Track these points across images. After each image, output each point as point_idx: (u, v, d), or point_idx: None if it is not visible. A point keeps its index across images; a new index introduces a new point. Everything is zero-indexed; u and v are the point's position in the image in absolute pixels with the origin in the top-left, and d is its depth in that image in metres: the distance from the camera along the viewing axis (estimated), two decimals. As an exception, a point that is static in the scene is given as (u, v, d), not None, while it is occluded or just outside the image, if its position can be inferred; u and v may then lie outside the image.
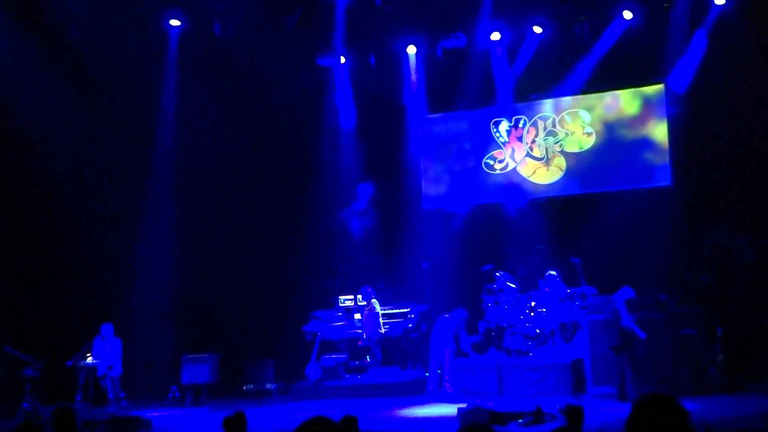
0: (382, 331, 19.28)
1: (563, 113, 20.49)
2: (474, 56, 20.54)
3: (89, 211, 20.28)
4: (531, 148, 20.72)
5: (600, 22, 19.43)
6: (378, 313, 19.28)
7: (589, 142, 20.26)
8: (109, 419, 15.21)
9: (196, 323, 20.74)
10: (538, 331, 17.92)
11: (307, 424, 4.21)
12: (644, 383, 15.01)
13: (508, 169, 20.92)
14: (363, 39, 20.60)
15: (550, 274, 18.25)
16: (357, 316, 19.86)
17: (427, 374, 18.51)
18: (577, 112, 20.39)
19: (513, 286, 18.62)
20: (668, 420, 3.96)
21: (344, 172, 21.67)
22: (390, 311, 19.70)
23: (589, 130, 20.24)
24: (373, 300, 19.33)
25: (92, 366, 18.36)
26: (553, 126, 20.54)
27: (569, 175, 20.39)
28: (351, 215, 21.04)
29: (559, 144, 20.47)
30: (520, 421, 13.37)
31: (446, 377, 17.75)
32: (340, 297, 20.40)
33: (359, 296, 19.82)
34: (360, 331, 19.60)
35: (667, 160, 19.49)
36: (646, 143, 19.79)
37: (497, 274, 18.76)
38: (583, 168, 20.30)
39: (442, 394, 17.61)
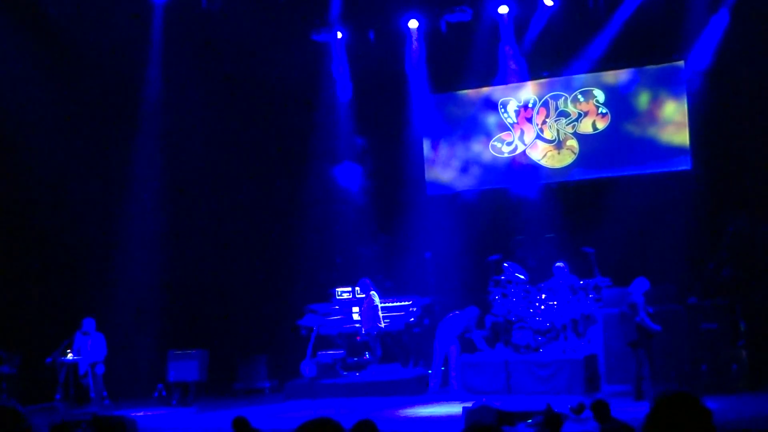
0: (382, 325, 19.28)
1: (576, 92, 20.45)
2: (480, 31, 20.49)
3: (68, 197, 20.22)
4: (541, 130, 20.69)
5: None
6: (377, 306, 19.27)
7: (603, 124, 20.21)
8: (90, 419, 15.15)
9: (184, 317, 20.74)
10: (548, 325, 17.93)
11: (309, 426, 4.19)
12: (662, 381, 15.04)
13: (517, 152, 20.88)
14: (361, 12, 20.55)
15: (557, 266, 18.24)
16: (355, 309, 19.86)
17: (430, 371, 18.52)
18: (591, 91, 20.34)
19: (522, 277, 18.61)
20: (690, 420, 3.95)
21: (341, 156, 21.66)
22: (391, 304, 19.69)
23: (604, 110, 20.19)
24: (372, 292, 19.33)
25: (73, 363, 18.37)
26: (565, 106, 20.49)
27: (582, 158, 20.36)
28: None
29: (571, 125, 20.43)
30: (530, 421, 13.37)
31: (453, 374, 17.77)
32: (337, 289, 20.39)
33: (357, 288, 19.82)
34: (358, 325, 19.61)
35: (686, 142, 19.45)
36: (665, 125, 19.75)
37: (505, 264, 18.74)
38: (597, 151, 20.27)
39: (447, 392, 17.63)
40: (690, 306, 16.39)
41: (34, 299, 19.90)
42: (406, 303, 19.74)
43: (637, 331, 15.33)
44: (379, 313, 19.29)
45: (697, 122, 19.29)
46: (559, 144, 20.55)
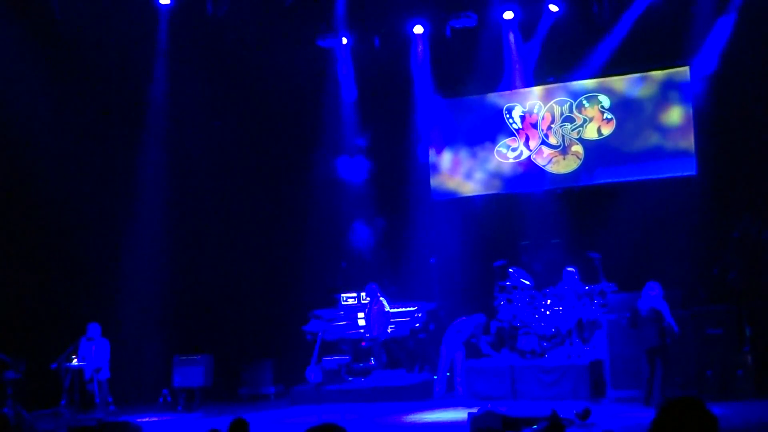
0: (388, 331, 19.24)
1: (581, 98, 20.44)
2: (485, 37, 20.50)
3: (73, 202, 20.21)
4: (546, 136, 20.69)
5: (621, -1, 19.40)
6: (388, 312, 19.23)
7: (608, 129, 20.20)
8: (96, 425, 15.21)
9: (189, 322, 20.75)
10: (553, 330, 17.92)
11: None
12: (668, 386, 15.00)
13: (522, 157, 20.88)
14: (366, 18, 20.56)
15: (568, 271, 18.21)
16: (360, 315, 19.84)
17: (435, 377, 18.51)
18: (596, 96, 20.33)
19: (527, 282, 18.60)
20: (695, 426, 3.95)
21: (346, 161, 21.67)
22: (396, 310, 19.66)
23: (609, 115, 20.18)
24: (382, 298, 19.27)
25: (78, 368, 18.37)
26: (570, 111, 20.49)
27: (587, 164, 20.34)
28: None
29: (576, 131, 20.42)
30: (535, 426, 13.35)
31: (458, 379, 17.78)
32: (342, 295, 20.40)
33: (363, 293, 19.80)
34: (362, 330, 19.59)
35: (692, 147, 19.43)
36: (670, 130, 19.73)
37: (510, 269, 18.75)
38: (603, 156, 20.25)
39: (452, 397, 17.62)
40: (695, 311, 16.34)
41: (39, 304, 19.90)
42: (412, 308, 19.72)
43: (660, 336, 15.17)
44: (389, 319, 19.25)
45: (702, 127, 19.28)
46: (564, 149, 20.54)
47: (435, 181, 21.58)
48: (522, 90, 20.91)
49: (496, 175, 21.11)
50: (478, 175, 21.24)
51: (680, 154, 19.54)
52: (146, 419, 16.91)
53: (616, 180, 20.10)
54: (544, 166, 20.70)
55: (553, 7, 19.76)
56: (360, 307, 19.96)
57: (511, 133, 20.98)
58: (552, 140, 20.64)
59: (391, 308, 19.41)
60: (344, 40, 21.05)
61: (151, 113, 20.97)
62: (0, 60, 19.11)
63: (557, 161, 20.60)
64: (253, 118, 21.55)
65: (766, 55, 18.31)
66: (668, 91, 19.85)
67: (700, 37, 19.01)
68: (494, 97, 21.19)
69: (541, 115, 20.74)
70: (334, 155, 21.65)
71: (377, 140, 21.39)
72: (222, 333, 20.73)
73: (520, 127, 20.91)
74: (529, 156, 20.82)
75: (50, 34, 19.46)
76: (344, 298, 20.32)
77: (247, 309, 21.13)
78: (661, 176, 19.59)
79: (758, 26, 18.33)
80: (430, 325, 19.51)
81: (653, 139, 19.84)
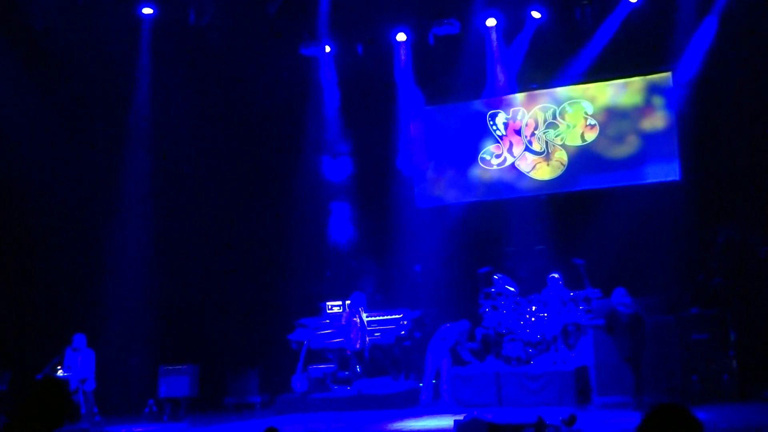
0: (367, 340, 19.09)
1: (564, 104, 20.49)
2: (468, 44, 20.52)
3: (58, 211, 20.19)
4: (530, 142, 20.72)
5: (603, 5, 19.43)
6: (365, 323, 19.14)
7: (592, 135, 20.25)
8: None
9: (174, 332, 20.69)
10: (539, 337, 17.93)
11: None
12: (653, 391, 15.02)
13: (506, 164, 20.90)
14: (349, 26, 20.57)
15: (552, 277, 18.24)
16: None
17: (420, 384, 18.49)
18: (579, 102, 20.39)
19: (512, 289, 18.61)
20: (681, 431, 3.96)
21: (330, 170, 21.66)
22: (381, 317, 19.62)
23: (592, 121, 20.24)
24: (361, 310, 19.17)
25: (63, 379, 18.30)
26: (554, 118, 20.53)
27: (571, 170, 20.39)
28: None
29: (560, 137, 20.47)
30: (521, 433, 13.37)
31: (444, 387, 17.77)
32: (327, 303, 20.35)
33: (348, 301, 19.71)
34: (340, 340, 19.52)
35: (675, 153, 19.50)
36: (653, 136, 19.80)
37: (495, 276, 18.74)
38: (586, 162, 20.30)
39: (438, 405, 17.60)
40: (680, 317, 16.38)
41: (24, 315, 19.84)
42: (397, 316, 19.69)
43: (640, 342, 15.18)
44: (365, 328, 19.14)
45: (685, 132, 19.35)
46: (547, 156, 20.57)
47: (419, 189, 21.58)
48: (505, 96, 20.94)
49: (480, 181, 21.11)
50: (462, 182, 21.23)
51: (664, 160, 19.61)
52: (132, 430, 16.85)
53: (599, 186, 20.14)
54: (527, 172, 20.74)
55: (536, 14, 19.81)
56: (345, 315, 19.86)
57: (494, 140, 21.00)
58: (536, 146, 20.68)
59: (375, 315, 19.38)
60: (327, 49, 21.06)
61: (135, 123, 20.95)
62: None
63: (541, 167, 20.64)
64: (236, 128, 21.50)
65: (747, 60, 18.39)
66: (651, 96, 19.93)
67: (682, 43, 19.10)
68: (478, 104, 21.22)
69: (524, 121, 20.77)
70: (319, 164, 21.65)
71: (361, 148, 21.39)
72: (207, 342, 20.67)
73: (504, 133, 20.94)
74: (513, 162, 20.85)
75: (33, 45, 19.42)
76: (329, 307, 20.27)
77: (233, 318, 21.08)
78: (644, 182, 19.66)
79: (739, 31, 18.40)
80: (415, 333, 19.47)
81: (636, 144, 19.91)
